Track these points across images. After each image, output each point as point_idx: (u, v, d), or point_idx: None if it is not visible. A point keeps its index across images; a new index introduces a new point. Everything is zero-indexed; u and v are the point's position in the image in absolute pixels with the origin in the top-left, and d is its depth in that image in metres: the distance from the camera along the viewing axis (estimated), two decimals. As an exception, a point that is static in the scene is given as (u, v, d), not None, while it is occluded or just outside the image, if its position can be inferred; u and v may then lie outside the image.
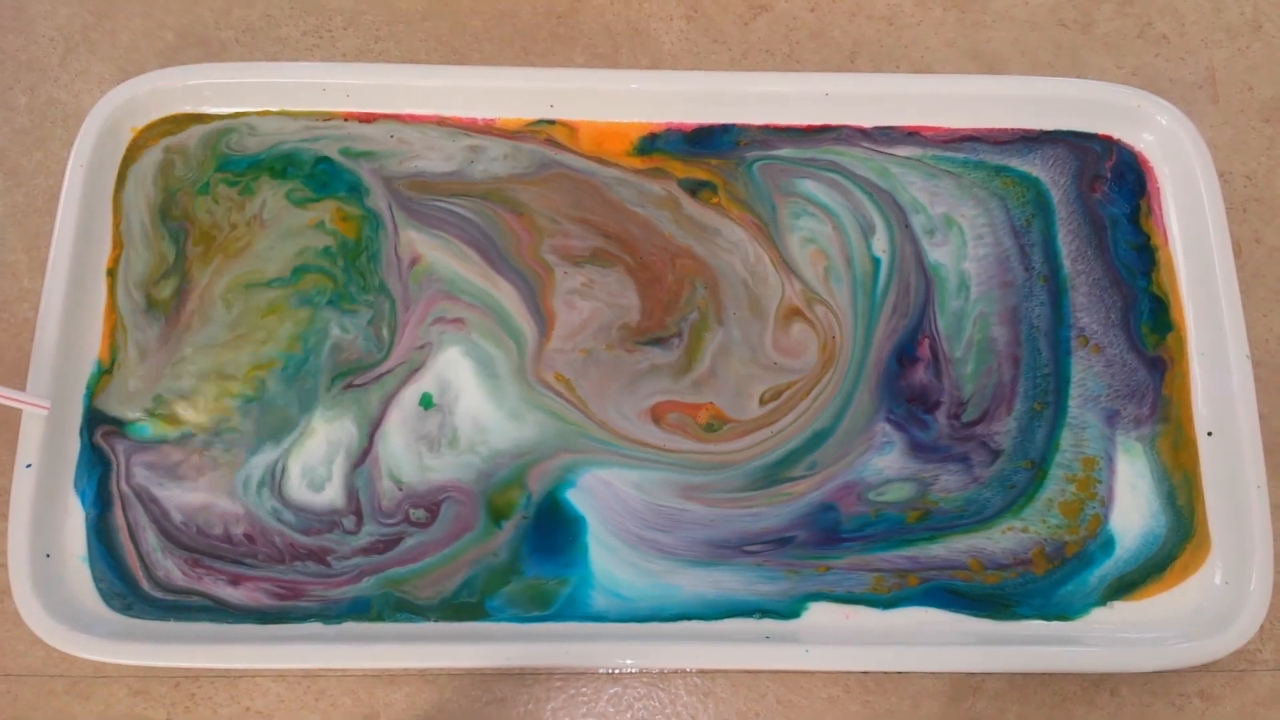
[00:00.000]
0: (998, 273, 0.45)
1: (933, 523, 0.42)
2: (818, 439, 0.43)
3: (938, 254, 0.45)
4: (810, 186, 0.46)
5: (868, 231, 0.46)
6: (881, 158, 0.46)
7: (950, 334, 0.44)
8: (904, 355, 0.44)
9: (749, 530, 0.42)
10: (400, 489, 0.42)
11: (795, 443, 0.43)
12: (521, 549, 0.41)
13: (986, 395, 0.44)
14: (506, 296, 0.45)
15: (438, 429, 0.43)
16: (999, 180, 0.46)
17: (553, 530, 0.42)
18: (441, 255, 0.45)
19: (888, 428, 0.43)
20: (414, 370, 0.44)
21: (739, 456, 0.43)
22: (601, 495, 0.42)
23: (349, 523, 0.42)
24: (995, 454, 0.43)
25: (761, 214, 0.46)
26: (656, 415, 0.44)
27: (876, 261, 0.45)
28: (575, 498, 0.42)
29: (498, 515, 0.42)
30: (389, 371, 0.44)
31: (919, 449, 0.43)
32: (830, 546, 0.42)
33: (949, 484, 0.43)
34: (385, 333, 0.44)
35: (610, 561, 0.41)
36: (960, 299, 0.45)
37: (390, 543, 0.41)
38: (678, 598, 0.41)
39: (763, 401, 0.44)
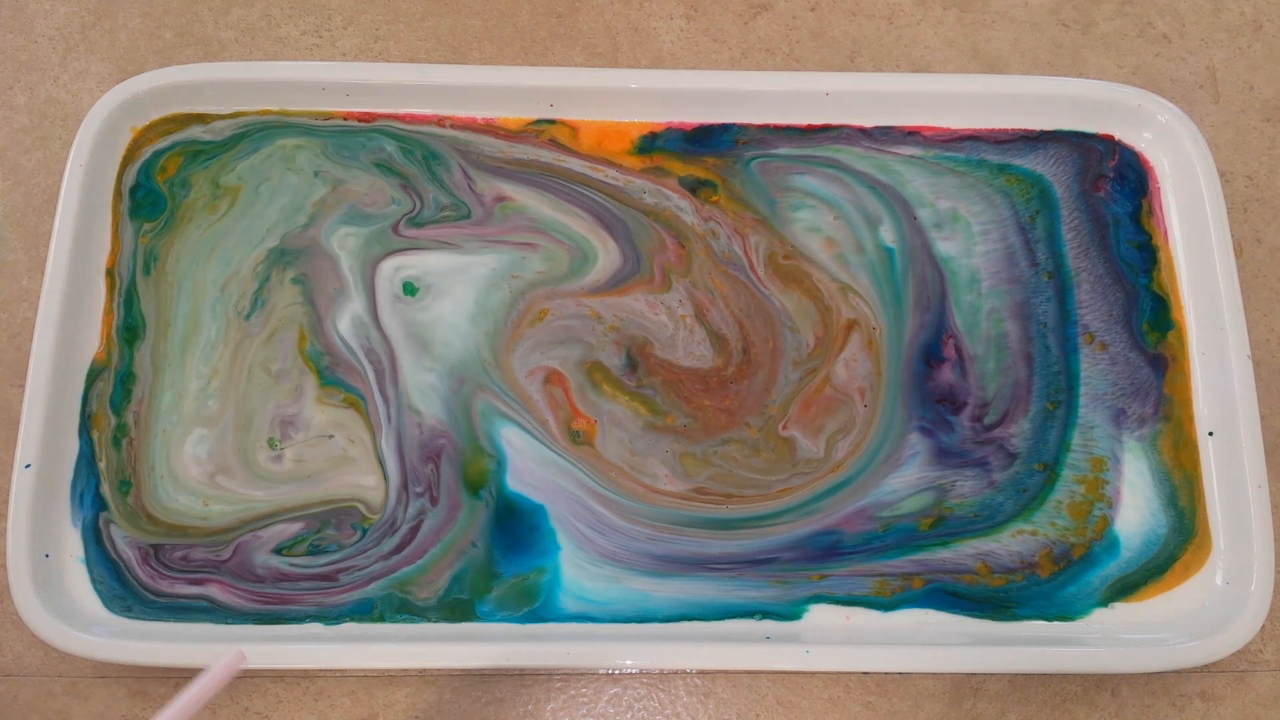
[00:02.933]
0: (1005, 268, 0.45)
1: (945, 529, 0.42)
2: (828, 492, 0.43)
3: (946, 247, 0.45)
4: (809, 181, 0.46)
5: (873, 222, 0.45)
6: (883, 156, 0.46)
7: (968, 329, 0.44)
8: (931, 356, 0.44)
9: (704, 554, 0.42)
10: (419, 423, 0.42)
11: (781, 505, 0.43)
12: (494, 550, 0.41)
13: (1006, 395, 0.43)
14: (606, 253, 0.45)
15: (415, 316, 0.44)
16: (1003, 178, 0.46)
17: (514, 522, 0.42)
18: (536, 202, 0.45)
19: (915, 437, 0.43)
20: (422, 250, 0.45)
21: (650, 498, 0.43)
22: (520, 467, 0.42)
23: (400, 513, 0.42)
24: (1011, 457, 0.43)
25: (759, 208, 0.46)
26: (546, 379, 0.43)
27: (889, 251, 0.45)
28: (514, 484, 0.42)
29: (474, 487, 0.42)
30: (401, 237, 0.45)
31: (942, 454, 0.43)
32: (827, 561, 0.42)
33: (964, 489, 0.42)
34: (427, 208, 0.45)
35: (565, 563, 0.41)
36: (973, 293, 0.45)
37: (412, 531, 0.41)
38: (650, 603, 0.41)
39: (700, 491, 0.43)
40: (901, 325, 0.44)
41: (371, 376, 0.43)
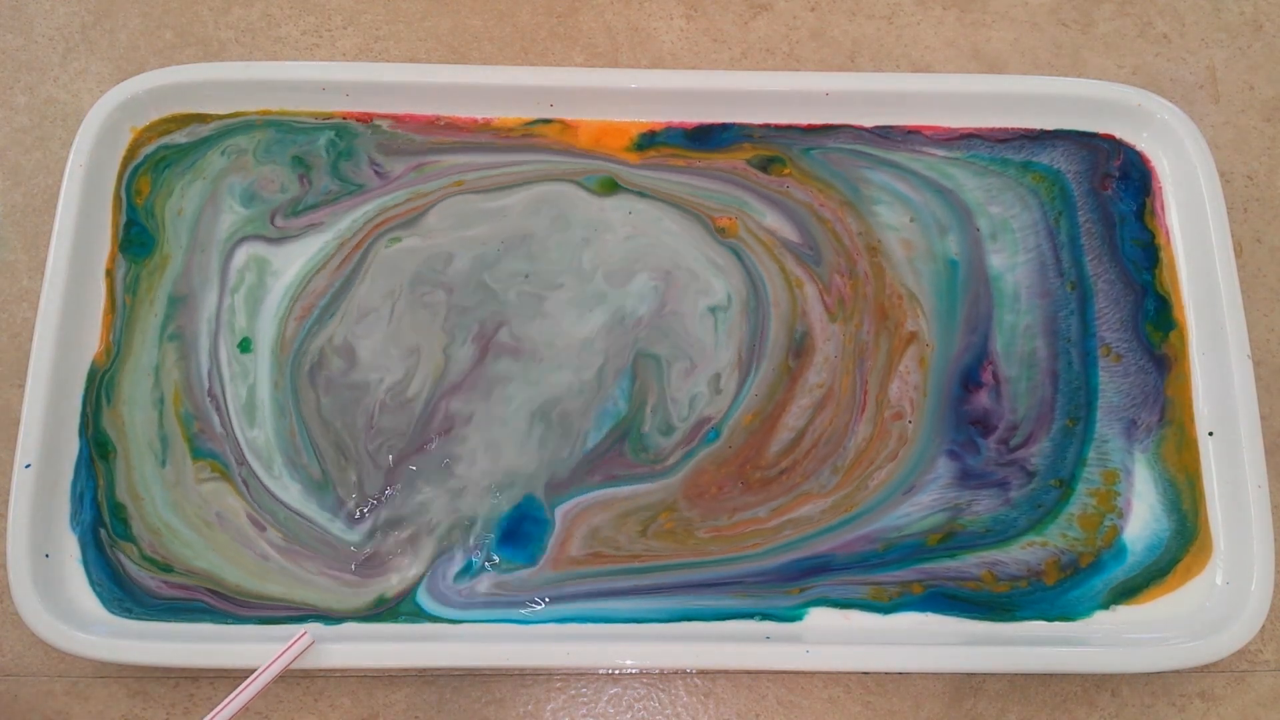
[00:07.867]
0: (1038, 281, 0.45)
1: (954, 543, 0.42)
2: (832, 528, 0.42)
3: (997, 260, 0.45)
4: (884, 176, 0.46)
5: (943, 230, 0.45)
6: (930, 158, 0.46)
7: (1006, 351, 0.44)
8: (969, 381, 0.43)
9: (655, 584, 0.41)
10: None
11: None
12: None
13: (1033, 416, 0.43)
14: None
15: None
16: (1029, 175, 0.46)
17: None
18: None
19: (942, 461, 0.42)
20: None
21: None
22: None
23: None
24: (1030, 475, 0.42)
25: (842, 190, 0.45)
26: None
27: (954, 265, 0.45)
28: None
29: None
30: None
31: (965, 477, 0.42)
32: (808, 578, 0.41)
33: (979, 508, 0.42)
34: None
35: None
36: (1014, 312, 0.44)
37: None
38: (617, 614, 0.41)
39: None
40: (950, 346, 0.44)
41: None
